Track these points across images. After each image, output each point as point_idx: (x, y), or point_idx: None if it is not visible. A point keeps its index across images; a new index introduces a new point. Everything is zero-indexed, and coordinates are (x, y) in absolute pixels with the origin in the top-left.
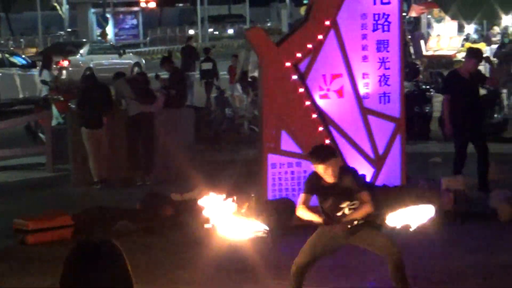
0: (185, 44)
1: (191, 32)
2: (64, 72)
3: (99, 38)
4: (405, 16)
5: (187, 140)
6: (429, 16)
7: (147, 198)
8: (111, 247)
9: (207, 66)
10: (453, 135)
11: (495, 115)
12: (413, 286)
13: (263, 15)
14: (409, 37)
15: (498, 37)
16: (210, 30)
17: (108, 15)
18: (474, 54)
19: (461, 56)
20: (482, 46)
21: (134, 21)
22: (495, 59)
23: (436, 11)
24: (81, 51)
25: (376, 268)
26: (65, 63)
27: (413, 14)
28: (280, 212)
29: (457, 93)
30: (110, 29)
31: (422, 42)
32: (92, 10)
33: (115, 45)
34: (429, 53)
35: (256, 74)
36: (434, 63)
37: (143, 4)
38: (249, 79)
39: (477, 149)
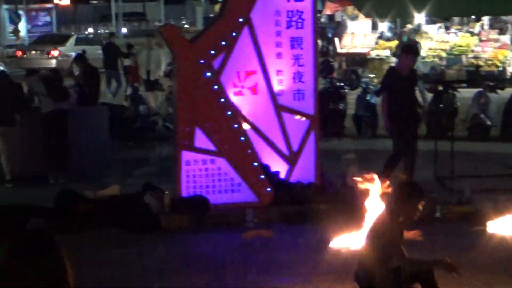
0: (107, 41)
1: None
2: None
3: (12, 35)
4: (319, 13)
5: (101, 137)
6: (343, 14)
7: (61, 196)
8: (45, 239)
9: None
10: (394, 131)
11: None
12: None
13: (178, 13)
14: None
15: (411, 35)
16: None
17: (21, 12)
18: (410, 50)
19: (375, 53)
20: (395, 43)
21: (48, 18)
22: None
23: (350, 9)
24: None
25: None
26: None
27: (327, 11)
28: (194, 209)
29: (396, 91)
30: (22, 26)
31: (336, 40)
32: (5, 6)
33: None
34: (344, 51)
35: (160, 73)
36: (349, 60)
37: (56, 1)
38: (151, 79)
39: (410, 148)
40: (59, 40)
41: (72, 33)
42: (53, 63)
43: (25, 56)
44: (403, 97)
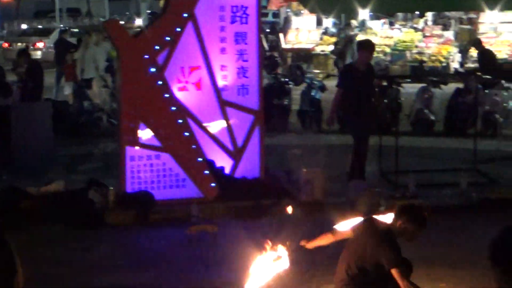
0: (58, 37)
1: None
2: None
3: None
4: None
5: (45, 133)
6: (288, 10)
7: (4, 193)
8: None
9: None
10: (351, 125)
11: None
12: None
13: (122, 9)
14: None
15: (356, 31)
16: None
17: None
18: (365, 46)
19: (319, 49)
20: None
21: None
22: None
23: (295, 4)
24: None
25: None
26: None
27: (272, 7)
28: (139, 205)
29: (353, 86)
30: None
31: (281, 35)
32: None
33: None
34: (288, 46)
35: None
36: (294, 56)
37: None
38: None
39: (363, 141)
40: (44, 32)
41: (59, 25)
42: (38, 54)
43: (11, 48)
44: (360, 92)
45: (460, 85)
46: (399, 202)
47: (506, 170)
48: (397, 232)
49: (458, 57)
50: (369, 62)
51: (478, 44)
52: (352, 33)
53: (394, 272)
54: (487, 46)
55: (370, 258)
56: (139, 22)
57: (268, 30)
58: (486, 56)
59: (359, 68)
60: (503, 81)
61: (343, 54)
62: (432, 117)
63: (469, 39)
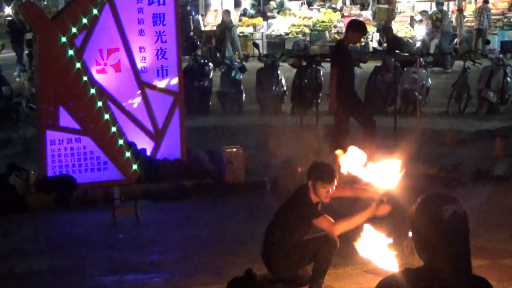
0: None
1: None
2: None
3: None
4: None
5: None
6: None
7: None
8: None
9: None
10: (350, 104)
11: (273, 88)
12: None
13: None
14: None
15: (274, 12)
16: None
17: None
18: (360, 27)
19: (238, 30)
20: (259, 21)
21: None
22: None
23: None
24: None
25: None
26: None
27: None
28: (60, 188)
29: (346, 65)
30: None
31: (200, 17)
32: None
33: None
34: (208, 28)
35: None
36: (212, 38)
37: None
38: None
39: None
40: None
41: None
42: None
43: None
44: (351, 71)
45: (379, 64)
46: None
47: (425, 147)
48: None
49: (376, 36)
50: (357, 43)
51: (387, 30)
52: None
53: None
54: (404, 25)
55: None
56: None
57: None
58: (391, 43)
59: (348, 47)
60: (421, 59)
61: (221, 41)
62: None
63: (387, 19)
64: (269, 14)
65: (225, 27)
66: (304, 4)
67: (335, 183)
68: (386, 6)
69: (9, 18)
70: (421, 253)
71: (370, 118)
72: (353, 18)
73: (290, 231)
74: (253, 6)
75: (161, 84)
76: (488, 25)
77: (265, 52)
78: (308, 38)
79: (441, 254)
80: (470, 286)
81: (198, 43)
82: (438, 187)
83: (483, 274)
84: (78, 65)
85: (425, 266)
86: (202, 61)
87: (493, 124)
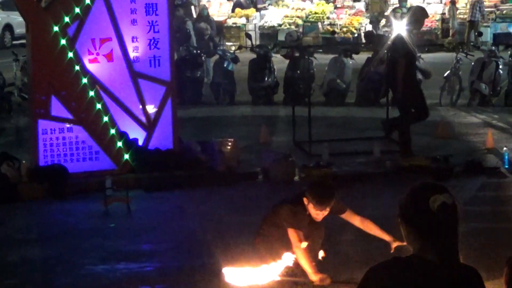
0: None
1: None
2: None
3: None
4: None
5: None
6: None
7: None
8: None
9: None
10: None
11: (266, 79)
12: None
13: None
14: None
15: (267, 3)
16: None
17: None
18: (425, 15)
19: (231, 21)
20: (252, 12)
21: None
22: None
23: None
24: None
25: None
26: None
27: None
28: (52, 178)
29: (412, 55)
30: None
31: (192, 7)
32: None
33: None
34: None
35: None
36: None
37: None
38: None
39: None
40: None
41: None
42: None
43: None
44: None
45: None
46: (307, 170)
47: (417, 138)
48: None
49: (369, 27)
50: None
51: (368, 36)
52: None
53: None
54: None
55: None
56: None
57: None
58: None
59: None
60: None
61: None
62: (344, 87)
63: (380, 10)
64: (259, 6)
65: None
66: None
67: (328, 209)
68: None
69: None
70: (410, 242)
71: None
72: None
73: (275, 226)
74: None
75: (154, 74)
76: (482, 17)
77: (257, 43)
78: (301, 29)
79: (429, 244)
80: (458, 275)
81: (191, 33)
82: (430, 178)
83: (473, 264)
84: (70, 54)
85: (414, 255)
86: (195, 51)
87: (485, 116)
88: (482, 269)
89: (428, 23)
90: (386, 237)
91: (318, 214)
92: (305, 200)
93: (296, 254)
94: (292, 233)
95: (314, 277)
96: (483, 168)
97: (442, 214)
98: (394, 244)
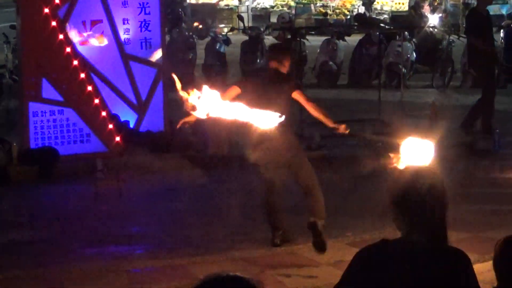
0: None
1: None
2: None
3: None
4: None
5: None
6: None
7: None
8: None
9: None
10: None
11: (258, 60)
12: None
13: None
14: None
15: None
16: None
17: None
18: None
19: (223, 3)
20: None
21: None
22: None
23: None
24: None
25: None
26: None
27: None
28: (43, 160)
29: (483, 32)
30: None
31: None
32: None
33: None
34: (193, 1)
35: None
36: (199, 11)
37: None
38: None
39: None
40: None
41: None
42: None
43: None
44: (488, 37)
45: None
46: None
47: (410, 120)
48: None
49: (362, 9)
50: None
51: (359, 18)
52: None
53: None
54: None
55: None
56: None
57: None
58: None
59: (483, 13)
60: (406, 33)
61: None
62: (336, 69)
63: None
64: None
65: None
66: None
67: (275, 63)
68: None
69: None
70: (399, 224)
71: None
72: None
73: None
74: None
75: (145, 56)
76: None
77: (250, 25)
78: (293, 11)
79: (417, 227)
80: (445, 258)
81: (183, 15)
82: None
83: (465, 246)
84: (61, 36)
85: (402, 237)
86: (186, 33)
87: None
88: (474, 251)
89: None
90: (328, 122)
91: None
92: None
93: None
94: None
95: (333, 125)
96: (475, 150)
97: (429, 197)
98: (334, 126)
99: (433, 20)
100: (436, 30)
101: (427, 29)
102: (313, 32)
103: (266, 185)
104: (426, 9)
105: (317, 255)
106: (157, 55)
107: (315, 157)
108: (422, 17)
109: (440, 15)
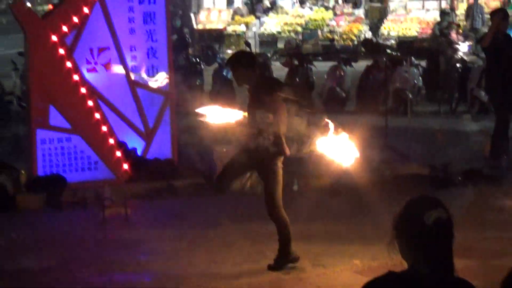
0: None
1: None
2: None
3: None
4: None
5: None
6: None
7: None
8: None
9: None
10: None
11: None
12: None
13: None
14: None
15: (263, 14)
16: None
17: None
18: (504, 13)
19: (231, 29)
20: (251, 19)
21: None
22: None
23: None
24: None
25: None
26: None
27: None
28: (50, 188)
29: (499, 58)
30: None
31: (192, 15)
32: None
33: None
34: (200, 26)
35: None
36: (205, 36)
37: None
38: None
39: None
40: None
41: None
42: None
43: None
44: (506, 64)
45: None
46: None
47: (416, 146)
48: None
49: (369, 35)
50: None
51: (366, 44)
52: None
53: None
54: (397, 24)
55: None
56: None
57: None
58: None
59: (501, 37)
60: (413, 58)
61: None
62: (344, 95)
63: (379, 17)
64: (258, 14)
65: None
66: (296, 2)
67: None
68: (379, 4)
69: None
70: (405, 256)
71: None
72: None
73: None
74: (246, 4)
75: (152, 83)
76: (482, 23)
77: (257, 50)
78: (300, 37)
79: (423, 258)
80: None
81: (190, 41)
82: (429, 187)
83: (473, 275)
84: (68, 63)
85: (408, 269)
86: (194, 59)
87: (484, 123)
88: (482, 280)
89: (428, 30)
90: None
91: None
92: None
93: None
94: None
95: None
96: (482, 176)
97: (436, 229)
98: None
99: (463, 47)
100: (464, 57)
101: (456, 56)
102: (320, 58)
103: (225, 163)
104: (454, 36)
105: (325, 283)
106: (162, 80)
107: (323, 183)
108: (452, 43)
109: (470, 43)
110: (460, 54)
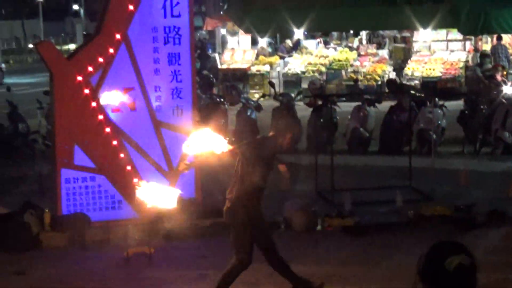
0: None
1: None
2: None
3: None
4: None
5: None
6: (224, 30)
7: None
8: None
9: None
10: None
11: None
12: None
13: (57, 30)
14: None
15: (286, 55)
16: None
17: None
18: None
19: (255, 69)
20: (276, 59)
21: None
22: None
23: (230, 24)
24: None
25: None
26: None
27: (208, 27)
28: (74, 227)
29: None
30: None
31: (216, 55)
32: None
33: None
34: (224, 66)
35: None
36: (229, 76)
37: None
38: None
39: None
40: None
41: None
42: None
43: None
44: None
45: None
46: (330, 220)
47: (440, 187)
48: None
49: (393, 75)
50: None
51: (390, 84)
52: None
53: None
54: (421, 64)
55: None
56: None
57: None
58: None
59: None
60: (436, 99)
61: None
62: (367, 136)
63: (403, 58)
64: (279, 54)
65: None
66: (320, 43)
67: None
68: (403, 45)
69: None
70: None
71: None
72: None
73: None
74: (270, 44)
75: (176, 123)
76: (508, 63)
77: (281, 90)
78: (324, 77)
79: None
80: None
81: (214, 81)
82: (453, 228)
83: None
84: (93, 103)
85: None
86: (218, 99)
87: (508, 164)
88: None
89: (451, 71)
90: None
91: None
92: None
93: None
94: None
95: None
96: (507, 217)
97: (458, 275)
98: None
99: (509, 89)
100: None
101: (501, 98)
102: (344, 98)
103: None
104: (499, 78)
105: None
106: (186, 120)
107: (346, 224)
108: (498, 85)
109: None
110: (508, 95)
